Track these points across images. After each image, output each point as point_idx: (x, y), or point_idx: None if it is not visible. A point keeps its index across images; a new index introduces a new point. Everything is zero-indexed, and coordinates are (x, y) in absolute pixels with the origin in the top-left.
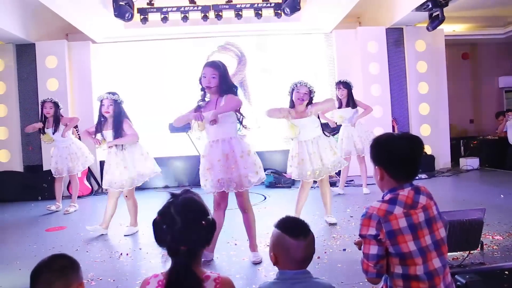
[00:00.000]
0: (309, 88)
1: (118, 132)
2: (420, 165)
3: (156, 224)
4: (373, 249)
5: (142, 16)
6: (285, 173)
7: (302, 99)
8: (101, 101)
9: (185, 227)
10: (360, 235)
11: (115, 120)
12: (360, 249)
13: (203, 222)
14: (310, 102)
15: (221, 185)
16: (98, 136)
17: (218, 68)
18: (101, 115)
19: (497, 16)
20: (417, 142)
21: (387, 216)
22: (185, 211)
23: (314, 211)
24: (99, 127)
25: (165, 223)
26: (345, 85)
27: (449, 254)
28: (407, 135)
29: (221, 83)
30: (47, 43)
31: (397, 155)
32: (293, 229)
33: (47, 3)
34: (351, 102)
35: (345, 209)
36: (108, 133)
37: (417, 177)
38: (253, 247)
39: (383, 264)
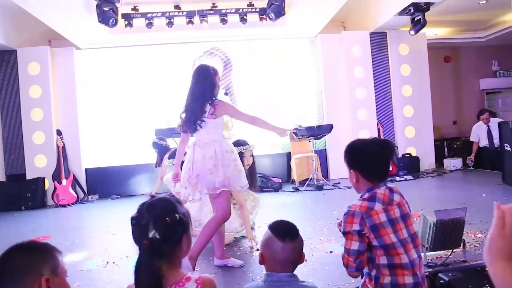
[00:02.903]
0: None
1: None
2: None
3: (131, 221)
4: (355, 245)
5: (126, 22)
6: (273, 177)
7: None
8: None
9: (149, 222)
10: (344, 232)
11: None
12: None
13: (167, 219)
14: None
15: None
16: None
17: None
18: None
19: (477, 20)
20: (388, 146)
21: (369, 212)
22: (152, 207)
23: (301, 215)
24: None
25: (135, 219)
26: None
27: (432, 253)
28: (378, 140)
29: None
30: (29, 50)
31: (371, 159)
32: (281, 231)
33: (28, 9)
34: None
35: (332, 212)
36: None
37: (402, 179)
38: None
39: (362, 259)
